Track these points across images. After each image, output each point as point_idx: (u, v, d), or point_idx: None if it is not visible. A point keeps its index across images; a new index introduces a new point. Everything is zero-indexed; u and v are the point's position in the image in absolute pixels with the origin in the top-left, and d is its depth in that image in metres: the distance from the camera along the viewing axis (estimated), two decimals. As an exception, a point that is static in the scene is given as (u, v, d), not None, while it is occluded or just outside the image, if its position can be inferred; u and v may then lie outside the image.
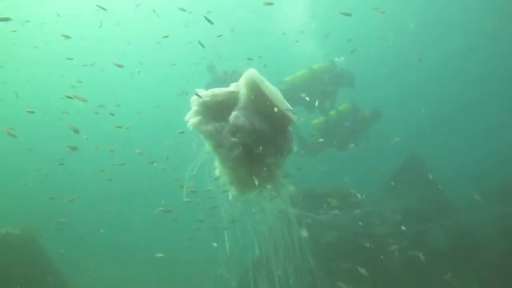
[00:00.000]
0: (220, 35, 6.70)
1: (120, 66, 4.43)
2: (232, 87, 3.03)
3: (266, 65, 4.86)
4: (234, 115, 2.85)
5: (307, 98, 7.27)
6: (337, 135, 7.83)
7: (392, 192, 8.08)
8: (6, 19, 3.44)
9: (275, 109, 2.79)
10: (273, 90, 2.94)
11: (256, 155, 2.85)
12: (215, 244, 3.78)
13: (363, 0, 13.57)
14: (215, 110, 2.97)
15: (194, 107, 3.05)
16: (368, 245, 5.19)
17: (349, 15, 4.61)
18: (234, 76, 7.53)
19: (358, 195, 6.77)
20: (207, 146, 3.10)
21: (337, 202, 5.38)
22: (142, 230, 12.62)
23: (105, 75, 15.29)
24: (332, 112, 8.10)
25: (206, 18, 4.14)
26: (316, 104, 7.68)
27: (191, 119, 3.04)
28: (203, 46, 4.59)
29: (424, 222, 6.85)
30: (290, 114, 2.86)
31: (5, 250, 6.92)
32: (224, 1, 16.83)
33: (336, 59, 8.32)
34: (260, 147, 2.80)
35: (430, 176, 8.19)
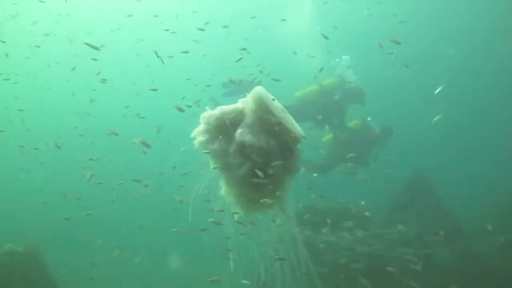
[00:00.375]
0: (244, 49, 6.67)
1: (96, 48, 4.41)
2: (239, 104, 3.01)
3: (276, 78, 4.83)
4: (240, 133, 2.81)
5: (319, 117, 7.25)
6: (348, 153, 7.80)
7: (398, 211, 7.97)
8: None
9: (282, 129, 2.77)
10: (280, 109, 2.93)
11: (263, 174, 2.81)
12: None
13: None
14: (223, 128, 2.94)
15: (202, 125, 3.02)
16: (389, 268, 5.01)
17: (398, 43, 4.60)
18: (244, 86, 7.64)
19: (367, 213, 6.66)
20: (213, 164, 3.08)
21: (352, 224, 5.28)
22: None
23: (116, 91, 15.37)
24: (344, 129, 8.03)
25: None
26: (320, 117, 7.64)
27: (198, 137, 3.01)
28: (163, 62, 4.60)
29: (432, 244, 6.74)
30: (298, 133, 2.84)
31: (8, 269, 6.86)
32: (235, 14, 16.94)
33: (337, 60, 8.32)
34: (267, 166, 2.77)
35: (436, 194, 8.08)
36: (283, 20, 10.10)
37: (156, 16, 12.86)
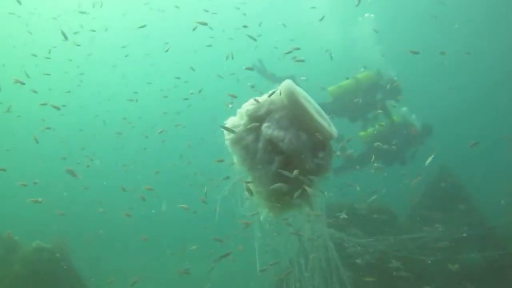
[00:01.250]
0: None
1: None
2: (270, 97, 2.86)
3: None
4: (267, 126, 2.68)
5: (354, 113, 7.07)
6: (386, 149, 7.60)
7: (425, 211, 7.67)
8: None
9: (314, 126, 2.66)
10: (312, 105, 2.82)
11: (293, 172, 2.71)
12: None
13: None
14: (256, 121, 2.80)
15: (239, 120, 2.90)
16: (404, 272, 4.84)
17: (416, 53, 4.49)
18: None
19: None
20: (240, 163, 2.99)
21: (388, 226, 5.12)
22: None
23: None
24: (383, 123, 7.83)
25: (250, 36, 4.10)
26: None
27: (230, 133, 2.91)
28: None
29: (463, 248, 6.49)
30: (329, 129, 2.72)
31: (36, 266, 6.97)
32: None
33: (365, 16, 8.01)
34: (298, 164, 2.66)
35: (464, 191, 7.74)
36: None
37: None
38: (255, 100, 2.87)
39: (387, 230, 6.22)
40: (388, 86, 7.52)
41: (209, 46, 8.83)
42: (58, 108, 5.39)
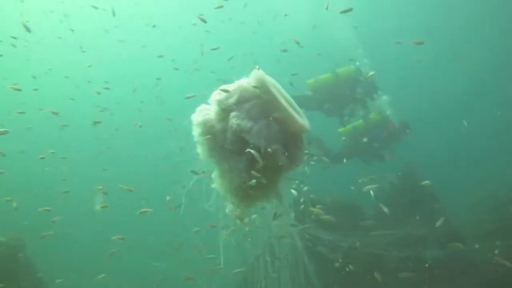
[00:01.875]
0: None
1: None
2: (242, 82, 2.68)
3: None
4: (235, 116, 2.51)
5: (327, 106, 7.05)
6: (365, 146, 7.55)
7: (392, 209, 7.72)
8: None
9: (285, 116, 2.53)
10: (283, 95, 2.69)
11: (261, 165, 2.58)
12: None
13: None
14: (224, 110, 2.63)
15: (209, 109, 2.72)
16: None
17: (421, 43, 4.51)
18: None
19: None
20: (206, 153, 2.82)
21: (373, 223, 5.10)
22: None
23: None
24: (359, 121, 7.84)
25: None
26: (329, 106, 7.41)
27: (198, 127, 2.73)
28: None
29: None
30: (301, 121, 2.59)
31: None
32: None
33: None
34: (269, 156, 2.52)
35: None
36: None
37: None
38: (223, 88, 2.71)
39: (355, 227, 6.20)
40: (365, 82, 7.51)
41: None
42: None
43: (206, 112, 2.77)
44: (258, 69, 2.62)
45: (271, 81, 2.68)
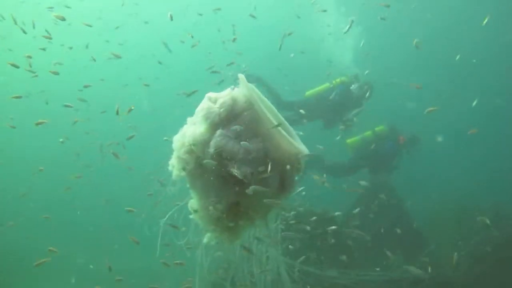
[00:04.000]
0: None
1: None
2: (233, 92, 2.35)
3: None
4: (220, 135, 2.19)
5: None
6: (374, 158, 7.40)
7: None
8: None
9: (278, 141, 2.23)
10: (275, 113, 2.39)
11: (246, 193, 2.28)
12: None
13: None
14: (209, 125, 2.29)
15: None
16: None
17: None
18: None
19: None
20: (180, 168, 2.47)
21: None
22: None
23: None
24: (368, 133, 7.66)
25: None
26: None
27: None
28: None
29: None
30: (296, 146, 2.29)
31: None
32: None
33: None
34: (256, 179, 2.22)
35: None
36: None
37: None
38: (209, 97, 2.36)
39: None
40: (360, 89, 7.34)
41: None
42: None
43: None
44: (246, 72, 2.31)
45: (261, 98, 2.37)
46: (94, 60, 6.43)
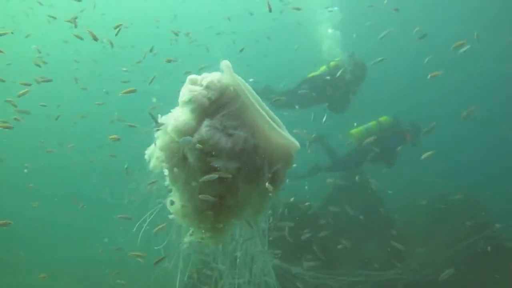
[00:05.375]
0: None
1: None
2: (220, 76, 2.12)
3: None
4: (208, 126, 1.97)
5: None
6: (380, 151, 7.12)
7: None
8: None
9: (268, 134, 2.05)
10: (261, 104, 2.20)
11: (233, 189, 2.09)
12: None
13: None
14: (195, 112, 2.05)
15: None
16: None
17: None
18: None
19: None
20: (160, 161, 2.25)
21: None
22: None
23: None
24: (372, 123, 7.49)
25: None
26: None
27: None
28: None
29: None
30: (287, 139, 2.12)
31: None
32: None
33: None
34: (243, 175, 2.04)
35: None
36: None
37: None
38: (192, 80, 2.12)
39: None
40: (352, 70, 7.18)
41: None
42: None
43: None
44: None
45: (245, 85, 2.17)
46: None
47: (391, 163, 7.58)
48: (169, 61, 4.83)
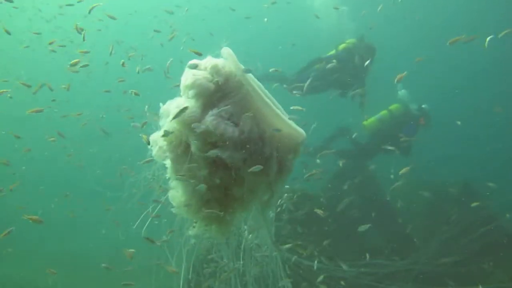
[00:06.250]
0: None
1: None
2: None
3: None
4: (213, 115, 1.89)
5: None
6: (391, 139, 6.96)
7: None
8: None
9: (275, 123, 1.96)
10: (265, 91, 2.10)
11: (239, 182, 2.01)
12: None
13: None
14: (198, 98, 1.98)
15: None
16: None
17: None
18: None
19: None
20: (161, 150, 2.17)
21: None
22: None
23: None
24: (383, 112, 7.41)
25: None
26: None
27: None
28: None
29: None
30: (293, 128, 2.04)
31: None
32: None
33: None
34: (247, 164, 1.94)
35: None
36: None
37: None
38: (193, 65, 2.02)
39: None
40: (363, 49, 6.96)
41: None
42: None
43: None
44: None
45: (250, 76, 2.07)
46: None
47: (406, 152, 7.41)
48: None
